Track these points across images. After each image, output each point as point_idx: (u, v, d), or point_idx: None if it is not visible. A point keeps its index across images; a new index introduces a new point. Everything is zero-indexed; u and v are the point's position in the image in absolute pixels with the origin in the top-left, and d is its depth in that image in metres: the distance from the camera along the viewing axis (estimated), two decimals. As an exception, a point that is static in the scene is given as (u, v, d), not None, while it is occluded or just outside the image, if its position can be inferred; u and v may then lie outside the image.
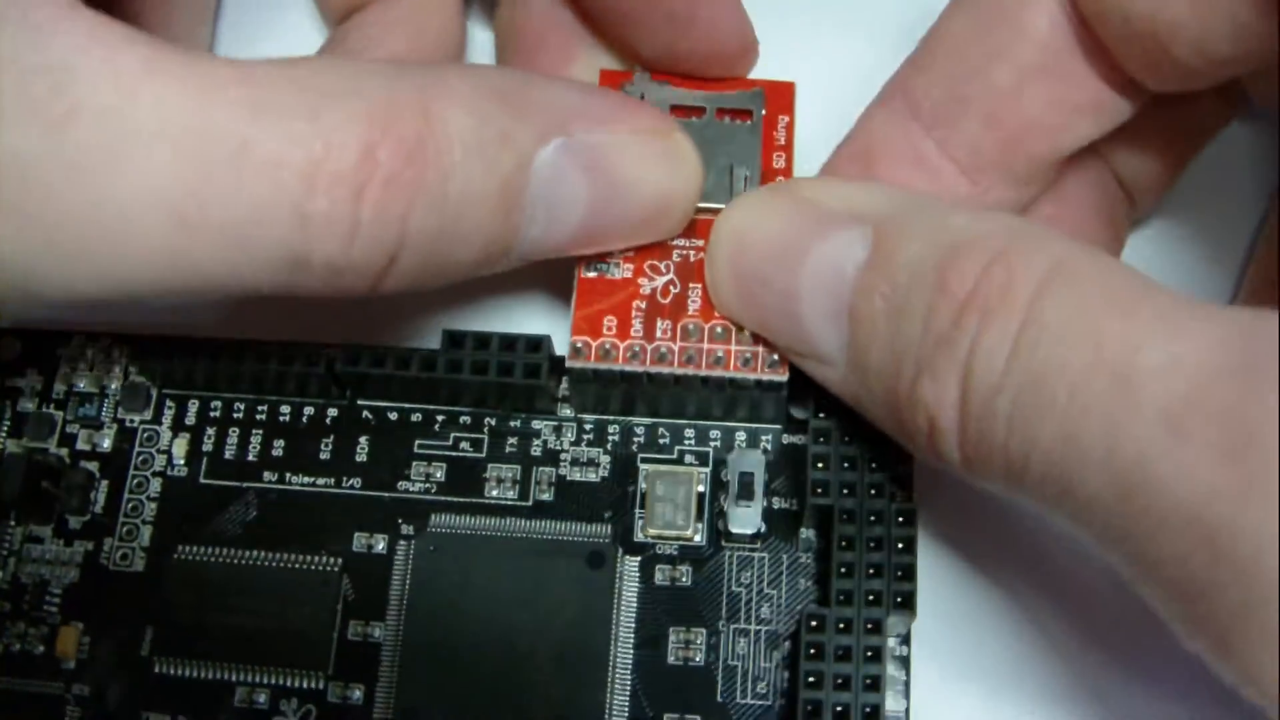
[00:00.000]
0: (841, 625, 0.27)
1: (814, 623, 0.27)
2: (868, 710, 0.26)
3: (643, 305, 0.28)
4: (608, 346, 0.28)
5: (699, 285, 0.28)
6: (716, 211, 0.28)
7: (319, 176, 0.22)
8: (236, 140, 0.22)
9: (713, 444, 0.30)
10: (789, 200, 0.27)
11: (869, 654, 0.26)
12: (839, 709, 0.26)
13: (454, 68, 0.26)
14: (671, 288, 0.28)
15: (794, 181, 0.29)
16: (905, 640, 0.28)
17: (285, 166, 0.22)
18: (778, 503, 0.30)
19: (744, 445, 0.30)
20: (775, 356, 0.27)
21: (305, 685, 0.29)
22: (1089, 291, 0.22)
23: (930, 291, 0.23)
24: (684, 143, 0.27)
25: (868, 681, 0.26)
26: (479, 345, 0.29)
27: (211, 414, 0.31)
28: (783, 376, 0.27)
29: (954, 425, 0.23)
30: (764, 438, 0.30)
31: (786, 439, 0.30)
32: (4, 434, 0.31)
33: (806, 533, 0.29)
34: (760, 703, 0.28)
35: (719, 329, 0.28)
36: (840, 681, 0.26)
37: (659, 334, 0.28)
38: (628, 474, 0.30)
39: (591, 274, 0.28)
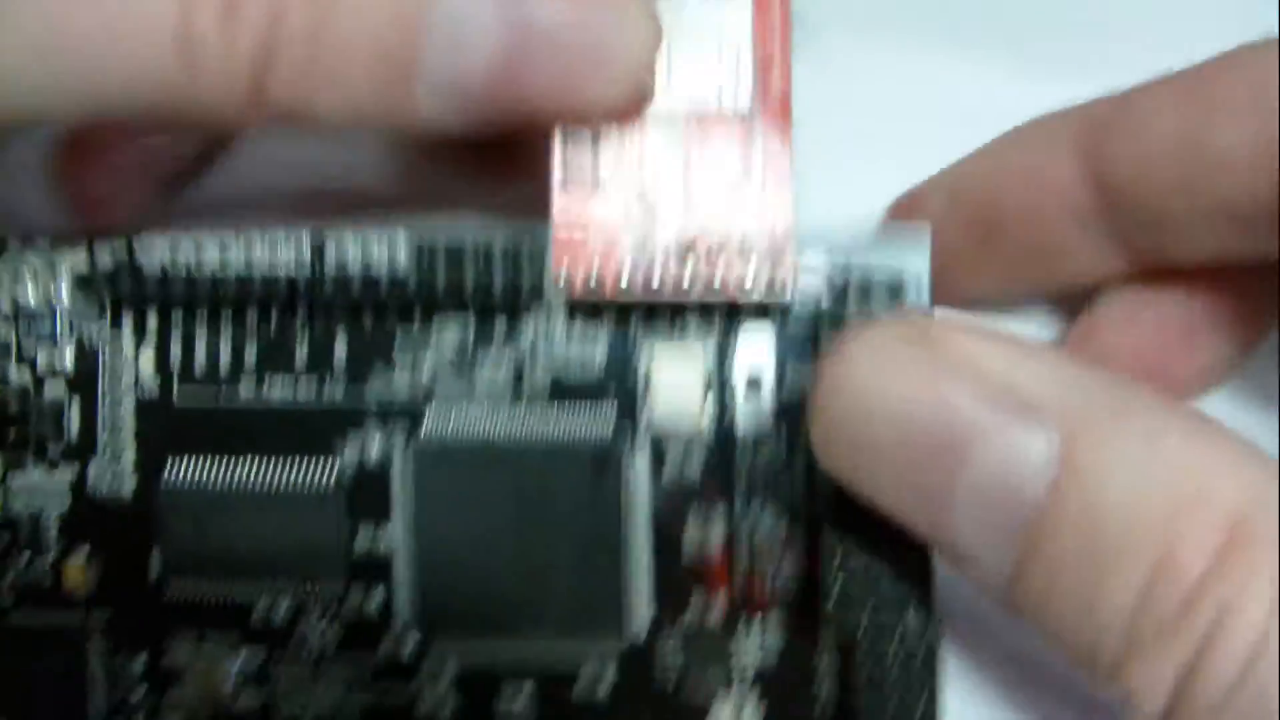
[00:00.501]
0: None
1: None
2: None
3: (627, 229, 0.25)
4: (592, 281, 0.25)
5: (687, 194, 0.25)
6: (704, 112, 0.25)
7: None
8: None
9: (717, 324, 0.28)
10: (939, 363, 0.22)
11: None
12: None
13: None
14: (658, 200, 0.25)
15: (943, 326, 0.23)
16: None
17: None
18: (790, 382, 0.28)
19: (750, 328, 0.28)
20: (779, 281, 0.25)
21: (322, 598, 0.29)
22: None
23: (1152, 556, 0.20)
24: None
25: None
26: (452, 259, 0.27)
27: (175, 324, 0.29)
28: (787, 299, 0.25)
29: (1157, 710, 0.20)
30: (774, 313, 0.28)
31: (797, 312, 0.28)
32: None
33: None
34: (786, 586, 0.28)
35: (714, 250, 0.25)
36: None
37: (648, 259, 0.25)
38: (628, 360, 0.28)
39: (568, 190, 0.25)
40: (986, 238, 0.28)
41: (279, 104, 0.23)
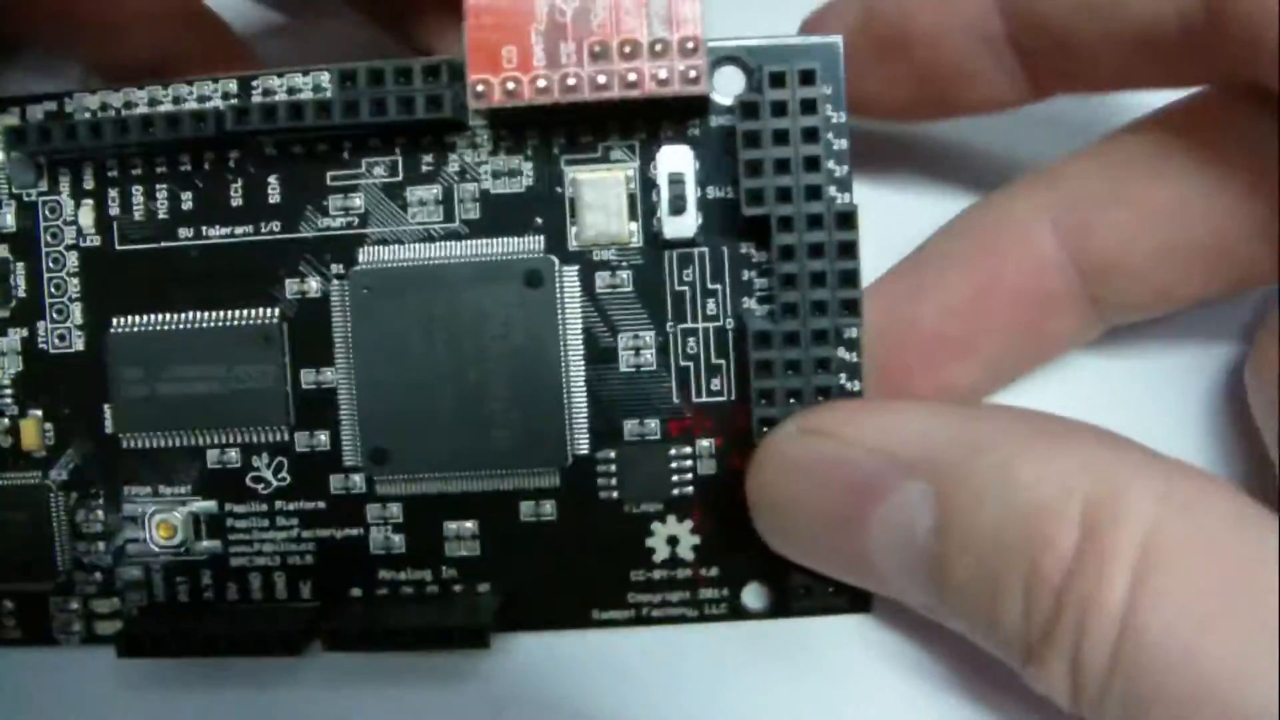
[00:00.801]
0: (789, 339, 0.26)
1: (761, 339, 0.26)
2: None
3: (541, 28, 0.25)
4: (510, 84, 0.25)
5: (596, -1, 0.25)
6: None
7: None
8: None
9: (638, 137, 0.28)
10: (828, 458, 0.25)
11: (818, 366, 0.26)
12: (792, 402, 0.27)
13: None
14: (570, 2, 0.25)
15: (825, 416, 0.26)
16: (853, 347, 0.27)
17: None
18: (713, 191, 0.28)
19: (670, 137, 0.28)
20: (693, 71, 0.25)
21: (271, 439, 0.29)
22: (1187, 587, 0.20)
23: (1024, 575, 0.22)
24: None
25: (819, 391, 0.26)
26: (373, 80, 0.27)
27: (110, 175, 0.29)
28: (701, 89, 0.25)
29: (1068, 702, 0.22)
30: (691, 124, 0.28)
31: (716, 121, 0.28)
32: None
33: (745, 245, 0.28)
34: (717, 399, 0.28)
35: (627, 46, 0.25)
36: (792, 399, 0.27)
37: (564, 59, 0.25)
38: (553, 180, 0.28)
39: None
40: (896, 55, 0.28)
41: None
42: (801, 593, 0.28)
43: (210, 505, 0.30)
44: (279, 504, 0.29)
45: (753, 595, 0.29)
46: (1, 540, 0.30)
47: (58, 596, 0.30)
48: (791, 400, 0.26)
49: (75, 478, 0.30)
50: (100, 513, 0.30)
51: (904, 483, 0.24)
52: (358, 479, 0.29)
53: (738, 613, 0.29)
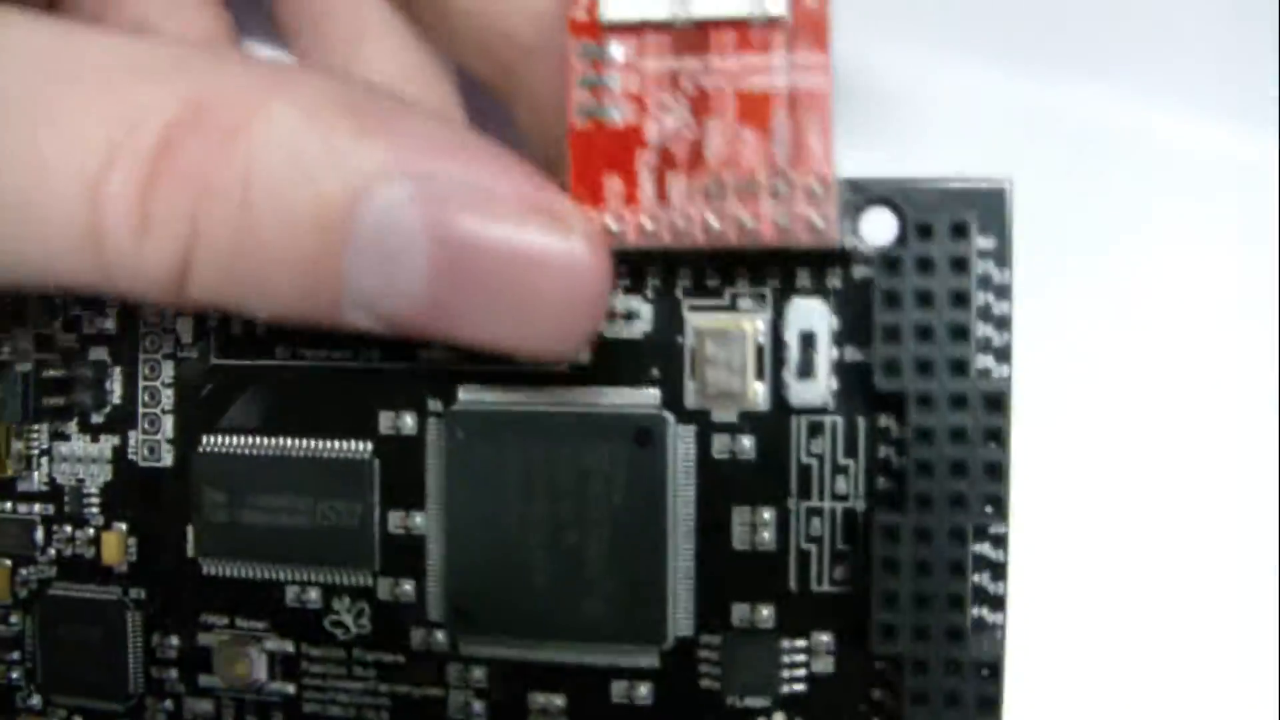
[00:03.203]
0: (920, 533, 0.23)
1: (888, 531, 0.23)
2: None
3: (651, 159, 0.22)
4: (614, 223, 0.22)
5: (718, 122, 0.22)
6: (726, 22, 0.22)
7: (116, 156, 0.19)
8: (35, 111, 0.19)
9: (771, 284, 0.25)
10: None
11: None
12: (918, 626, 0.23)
13: (306, 69, 0.22)
14: (685, 131, 0.22)
15: None
16: (1000, 543, 0.23)
17: (82, 141, 0.19)
18: (852, 354, 0.24)
19: (805, 289, 0.24)
20: (819, 220, 0.21)
21: (354, 582, 0.27)
22: None
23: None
24: (574, 225, 0.21)
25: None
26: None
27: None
28: (834, 240, 0.22)
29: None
30: (831, 272, 0.24)
31: (860, 272, 0.24)
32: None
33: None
34: (839, 590, 0.25)
35: (745, 185, 0.22)
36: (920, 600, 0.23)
37: (674, 196, 0.22)
38: (673, 325, 0.25)
39: (585, 121, 0.22)
40: None
41: (200, 301, 0.21)
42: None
43: (286, 645, 0.28)
44: (357, 652, 0.27)
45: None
46: (74, 655, 0.28)
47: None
48: (920, 606, 0.23)
49: (154, 599, 0.28)
50: (175, 639, 0.28)
51: None
52: (440, 635, 0.26)
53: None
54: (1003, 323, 0.24)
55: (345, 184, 0.20)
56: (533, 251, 0.20)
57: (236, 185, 0.20)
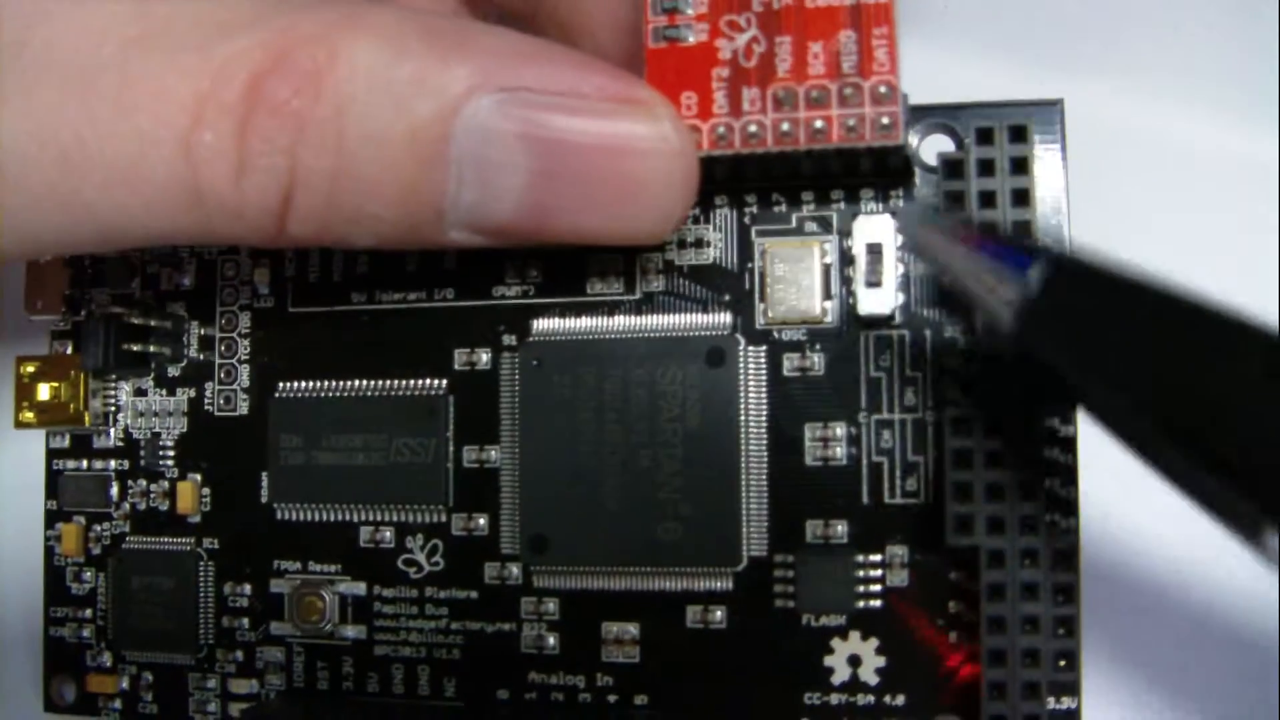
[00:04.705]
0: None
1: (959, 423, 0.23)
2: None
3: (724, 74, 0.23)
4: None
5: (787, 39, 0.23)
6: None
7: (205, 109, 0.20)
8: (121, 76, 0.20)
9: (835, 206, 0.26)
10: None
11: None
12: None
13: (375, 5, 0.22)
14: (755, 46, 0.23)
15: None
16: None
17: (170, 100, 0.20)
18: (918, 267, 0.25)
19: (870, 206, 0.25)
20: (885, 119, 0.22)
21: (427, 520, 0.27)
22: None
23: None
24: (659, 111, 0.22)
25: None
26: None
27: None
28: (897, 140, 0.22)
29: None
30: (895, 193, 0.25)
31: (923, 190, 0.25)
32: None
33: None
34: (911, 501, 0.25)
35: (814, 92, 0.23)
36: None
37: (746, 106, 0.23)
38: (743, 251, 0.26)
39: (660, 43, 0.23)
40: None
41: (301, 238, 0.22)
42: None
43: (359, 588, 0.28)
44: (430, 590, 0.27)
45: (946, 733, 0.25)
46: (146, 607, 0.29)
47: (196, 673, 0.29)
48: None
49: (227, 547, 0.29)
50: (248, 586, 0.28)
51: None
52: (514, 569, 0.27)
53: (927, 753, 0.25)
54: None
55: (437, 107, 0.21)
56: (625, 139, 0.21)
57: (329, 122, 0.21)
